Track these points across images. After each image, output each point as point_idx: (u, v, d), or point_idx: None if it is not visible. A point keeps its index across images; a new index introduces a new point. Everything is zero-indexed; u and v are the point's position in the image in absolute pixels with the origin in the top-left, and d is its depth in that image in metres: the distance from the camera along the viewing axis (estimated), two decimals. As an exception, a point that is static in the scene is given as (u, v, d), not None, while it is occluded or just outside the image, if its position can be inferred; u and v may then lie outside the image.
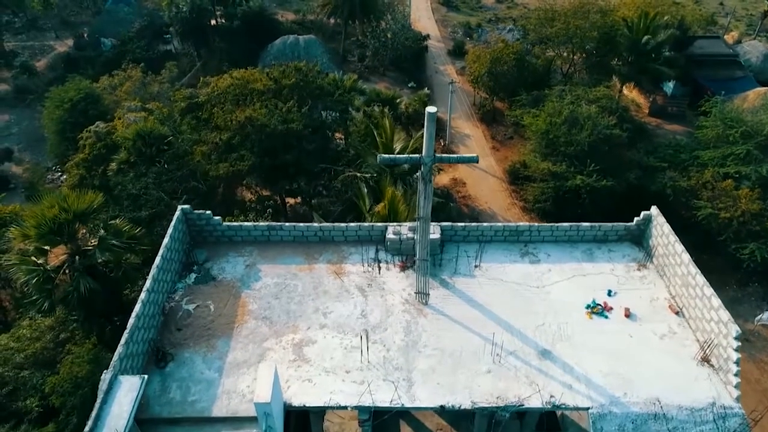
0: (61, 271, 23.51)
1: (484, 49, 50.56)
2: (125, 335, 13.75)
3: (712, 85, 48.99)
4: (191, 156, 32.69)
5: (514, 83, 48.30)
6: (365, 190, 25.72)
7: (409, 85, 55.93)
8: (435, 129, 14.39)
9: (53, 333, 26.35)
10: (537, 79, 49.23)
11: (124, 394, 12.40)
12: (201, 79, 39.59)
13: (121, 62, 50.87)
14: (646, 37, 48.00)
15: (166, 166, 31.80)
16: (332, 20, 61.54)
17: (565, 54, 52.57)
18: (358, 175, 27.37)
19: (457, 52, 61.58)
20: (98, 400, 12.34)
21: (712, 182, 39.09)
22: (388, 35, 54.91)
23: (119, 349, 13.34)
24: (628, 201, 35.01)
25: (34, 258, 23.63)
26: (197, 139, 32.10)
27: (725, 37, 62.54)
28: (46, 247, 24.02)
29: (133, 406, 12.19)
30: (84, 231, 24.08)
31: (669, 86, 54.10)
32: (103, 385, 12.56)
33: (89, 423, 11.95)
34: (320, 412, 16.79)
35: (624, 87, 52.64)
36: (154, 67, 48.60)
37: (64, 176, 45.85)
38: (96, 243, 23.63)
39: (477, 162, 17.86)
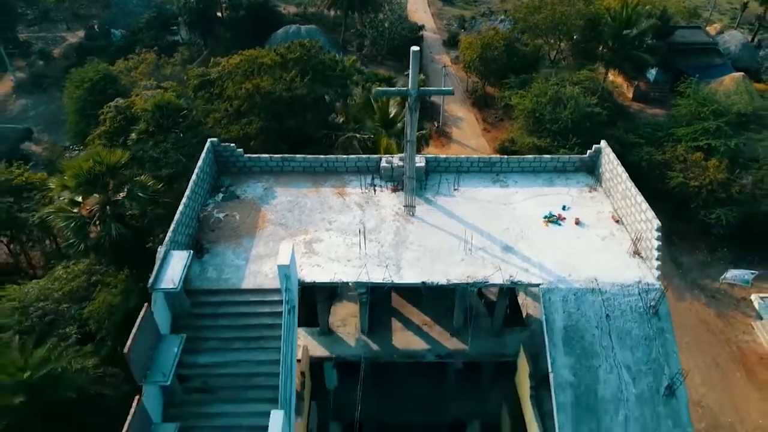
0: (94, 219, 27.77)
1: (476, 37, 54.90)
2: (172, 227, 17.86)
3: (692, 72, 53.21)
4: (205, 125, 36.82)
5: (504, 68, 52.67)
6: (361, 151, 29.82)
7: (405, 73, 60.13)
8: (418, 67, 18.58)
9: (86, 275, 30.50)
10: (526, 64, 53.58)
11: (177, 261, 16.52)
12: (211, 59, 43.88)
13: (130, 52, 54.91)
14: (627, 30, 52.19)
15: (181, 135, 35.92)
16: (332, 12, 65.95)
17: (552, 41, 56.94)
18: (357, 136, 31.54)
19: (451, 43, 66.04)
20: (156, 267, 16.40)
21: (684, 155, 43.42)
22: (386, 24, 59.33)
23: (168, 234, 17.47)
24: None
25: (69, 208, 27.98)
26: (211, 108, 36.25)
27: (708, 28, 66.94)
28: (78, 199, 28.33)
29: (184, 268, 16.31)
30: (113, 184, 28.31)
31: (652, 73, 58.48)
32: (159, 256, 16.65)
33: (151, 279, 16.03)
34: (326, 303, 20.88)
35: (609, 73, 56.94)
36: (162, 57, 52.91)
37: (83, 153, 49.98)
38: (125, 194, 27.93)
39: (452, 94, 21.97)
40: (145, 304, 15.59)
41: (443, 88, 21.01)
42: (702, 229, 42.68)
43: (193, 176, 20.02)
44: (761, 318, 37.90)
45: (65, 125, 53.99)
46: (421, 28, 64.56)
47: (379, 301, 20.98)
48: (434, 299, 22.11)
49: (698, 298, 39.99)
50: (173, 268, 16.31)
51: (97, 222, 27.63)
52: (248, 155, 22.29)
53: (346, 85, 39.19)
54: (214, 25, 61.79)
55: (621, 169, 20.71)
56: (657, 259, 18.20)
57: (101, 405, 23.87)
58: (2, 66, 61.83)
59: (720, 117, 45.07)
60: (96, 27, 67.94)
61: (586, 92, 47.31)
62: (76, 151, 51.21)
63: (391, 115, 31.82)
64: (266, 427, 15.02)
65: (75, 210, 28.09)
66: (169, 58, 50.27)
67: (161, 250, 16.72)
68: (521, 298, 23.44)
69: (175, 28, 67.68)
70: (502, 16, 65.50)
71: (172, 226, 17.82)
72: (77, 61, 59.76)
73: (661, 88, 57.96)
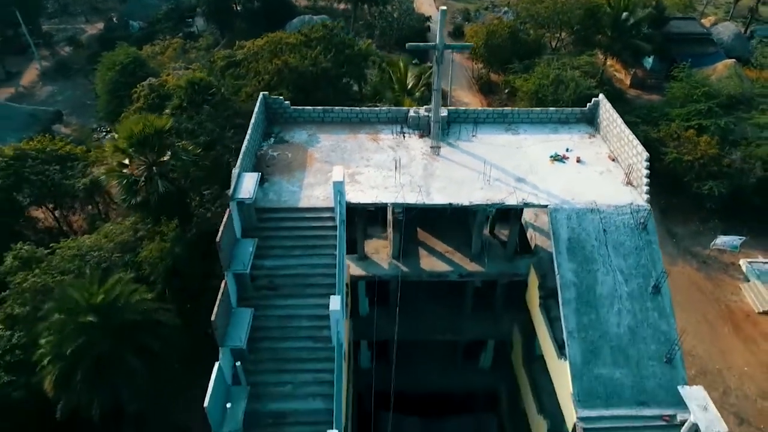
0: (141, 178, 31.75)
1: (481, 26, 59.07)
2: (240, 157, 21.73)
3: (686, 59, 57.41)
4: (231, 100, 40.64)
5: (508, 54, 56.75)
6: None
7: (413, 62, 64.35)
8: (444, 24, 22.55)
9: (133, 230, 34.45)
10: (528, 51, 57.69)
11: (248, 180, 20.45)
12: (237, 42, 47.92)
13: (149, 42, 58.73)
14: (625, 14, 56.43)
15: (212, 109, 39.84)
16: (342, 5, 70.16)
17: (553, 31, 61.19)
18: (378, 105, 35.51)
19: (456, 34, 70.16)
20: (232, 185, 20.30)
21: (678, 132, 47.52)
22: (395, 15, 63.51)
23: (238, 162, 21.34)
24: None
25: (119, 169, 32.04)
26: (241, 84, 40.24)
27: (703, 21, 71.39)
28: (126, 162, 32.34)
29: (255, 184, 20.24)
30: (158, 147, 32.27)
31: (648, 61, 62.80)
32: (234, 177, 20.55)
33: (231, 191, 19.92)
34: (363, 233, 24.75)
35: (607, 61, 61.15)
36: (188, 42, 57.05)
37: (110, 135, 53.97)
38: (169, 156, 31.94)
39: (470, 49, 25.73)
40: (228, 210, 19.50)
41: (465, 44, 24.91)
42: (695, 203, 46.66)
43: (251, 122, 23.91)
44: (748, 280, 41.84)
45: (91, 109, 58.03)
46: (428, 19, 68.72)
47: (407, 233, 24.82)
48: (454, 231, 26.03)
49: (690, 264, 43.93)
50: (246, 184, 20.22)
51: (143, 181, 31.61)
52: (294, 107, 26.25)
53: (365, 64, 43.22)
54: (230, 16, 65.88)
55: (616, 115, 24.72)
56: (646, 185, 22.15)
57: (159, 331, 27.60)
58: (26, 55, 65.95)
59: (711, 99, 49.27)
60: (115, 19, 72.05)
61: (586, 75, 51.50)
62: (104, 133, 55.21)
63: (410, 86, 35.83)
64: (320, 316, 18.95)
65: (125, 170, 32.16)
66: (195, 42, 54.24)
67: (235, 171, 20.64)
68: (529, 234, 27.33)
69: (190, 20, 71.85)
70: (505, 8, 69.78)
71: (240, 157, 21.74)
72: (99, 50, 63.74)
73: (657, 76, 62.19)
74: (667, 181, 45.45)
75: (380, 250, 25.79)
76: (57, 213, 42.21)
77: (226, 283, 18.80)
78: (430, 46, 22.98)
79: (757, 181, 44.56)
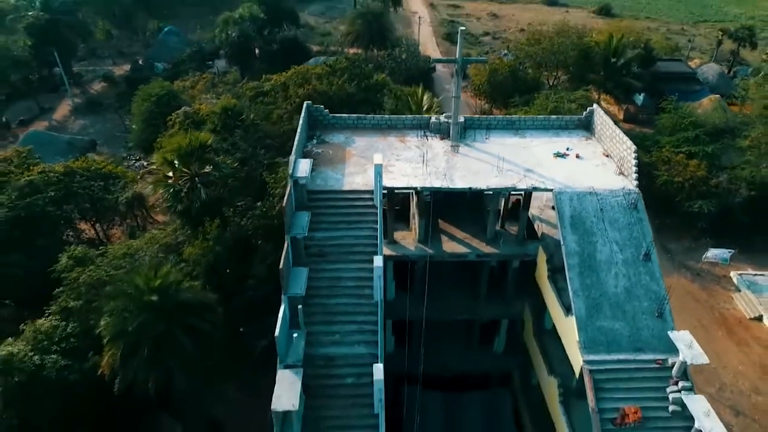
0: (184, 188, 36.31)
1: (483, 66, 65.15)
2: (294, 149, 26.25)
3: (674, 95, 63.25)
4: (261, 124, 45.61)
5: (510, 90, 62.43)
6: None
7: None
8: (463, 45, 27.60)
9: (175, 235, 38.86)
10: (528, 88, 63.43)
11: (303, 164, 25.01)
12: (264, 76, 53.48)
13: (172, 82, 64.32)
14: (614, 59, 62.64)
15: (243, 132, 44.76)
16: (353, 49, 76.48)
17: (550, 69, 67.29)
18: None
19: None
20: (290, 168, 24.78)
21: (669, 156, 52.56)
22: (403, 56, 69.65)
23: (293, 151, 25.85)
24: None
25: (165, 180, 36.68)
26: (273, 108, 45.42)
27: (690, 63, 78.01)
28: (170, 174, 36.99)
29: (309, 167, 24.77)
30: (200, 161, 36.98)
31: (639, 98, 68.76)
32: (291, 162, 25.06)
33: (290, 169, 24.40)
34: (393, 220, 29.05)
35: (601, 98, 67.02)
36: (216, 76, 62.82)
37: (139, 163, 58.89)
38: (211, 168, 36.61)
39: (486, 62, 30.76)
40: (288, 187, 23.95)
41: (479, 57, 29.83)
42: (686, 221, 51.21)
43: (299, 123, 28.69)
44: (739, 290, 45.89)
45: (121, 140, 63.22)
46: (432, 64, 75.02)
47: (429, 222, 29.11)
48: (471, 221, 30.38)
49: (685, 276, 48.10)
50: (302, 166, 24.80)
51: (187, 190, 36.13)
52: (332, 114, 31.07)
53: (381, 94, 48.57)
54: (250, 58, 72.07)
55: (608, 119, 29.57)
56: (635, 173, 26.73)
57: (207, 316, 31.41)
58: (58, 93, 71.74)
59: (698, 128, 54.62)
60: (140, 61, 78.28)
61: (582, 108, 56.93)
62: (133, 161, 60.04)
63: (425, 108, 40.88)
64: (362, 278, 23.16)
65: (170, 180, 36.79)
66: (222, 77, 59.92)
67: (292, 158, 25.21)
68: (536, 225, 31.61)
69: (210, 62, 78.15)
70: (505, 51, 76.27)
71: (294, 149, 26.34)
72: (127, 88, 69.53)
73: (648, 111, 67.96)
74: (660, 203, 50.12)
75: (407, 237, 30.05)
76: (98, 227, 46.50)
77: (287, 246, 22.99)
78: (451, 60, 27.96)
79: (743, 200, 49.29)
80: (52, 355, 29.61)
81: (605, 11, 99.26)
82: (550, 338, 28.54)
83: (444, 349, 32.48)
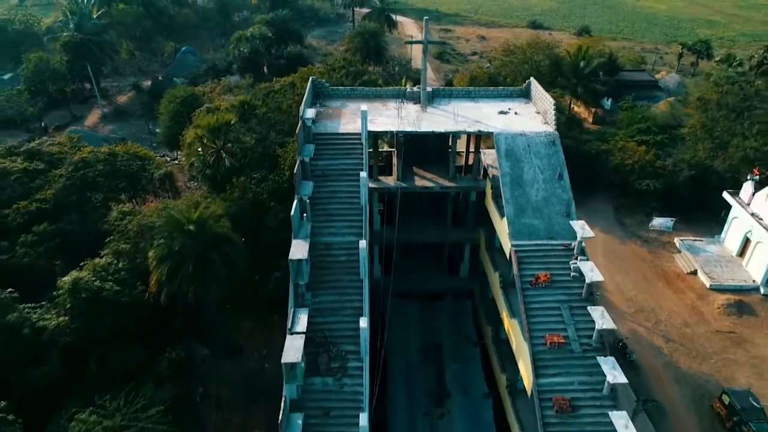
0: (212, 158, 47.36)
1: (465, 73, 76.91)
2: (302, 107, 37.30)
3: (636, 99, 74.84)
4: (272, 115, 56.69)
5: (488, 94, 73.76)
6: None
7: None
8: (429, 32, 39.08)
9: (204, 196, 49.69)
10: (504, 91, 74.77)
11: (310, 111, 36.15)
12: (274, 78, 65.19)
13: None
14: (582, 63, 74.42)
15: (256, 122, 55.70)
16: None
17: (524, 76, 78.88)
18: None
19: (448, 85, 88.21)
20: (300, 114, 35.83)
21: (622, 143, 63.62)
22: (396, 69, 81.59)
23: (302, 106, 36.91)
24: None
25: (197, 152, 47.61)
26: (280, 100, 56.71)
27: (657, 75, 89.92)
28: (199, 149, 48.08)
29: (314, 114, 35.82)
30: (225, 137, 48.16)
31: (607, 103, 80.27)
32: (301, 110, 36.11)
33: (301, 113, 35.43)
34: (376, 162, 39.93)
35: (572, 103, 78.49)
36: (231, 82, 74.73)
37: (164, 157, 69.97)
38: (233, 142, 47.68)
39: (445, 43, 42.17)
40: (299, 125, 34.95)
41: (442, 40, 41.37)
42: (639, 200, 61.89)
43: (306, 90, 39.90)
44: (680, 252, 56.20)
45: (147, 141, 74.58)
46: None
47: (404, 167, 39.95)
48: (437, 166, 41.28)
49: (635, 242, 58.49)
50: (309, 112, 35.95)
51: (214, 160, 47.16)
52: (330, 87, 42.46)
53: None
54: (260, 72, 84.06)
55: (541, 88, 40.77)
56: (554, 122, 37.69)
57: (234, 248, 41.63)
58: (87, 104, 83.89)
59: (649, 120, 65.98)
60: (160, 77, 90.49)
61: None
62: (159, 156, 70.94)
63: (407, 94, 52.32)
64: (353, 192, 33.92)
65: (200, 152, 47.92)
66: (238, 82, 71.79)
67: (303, 107, 36.31)
68: (489, 172, 42.32)
69: (223, 78, 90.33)
70: (488, 65, 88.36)
71: (302, 105, 37.42)
72: (149, 99, 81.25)
73: (614, 114, 79.26)
74: (617, 187, 61.19)
75: (388, 179, 41.03)
76: (134, 200, 57.43)
77: (298, 165, 33.86)
78: (419, 41, 39.54)
79: (685, 179, 60.06)
80: (109, 282, 39.01)
81: (585, 32, 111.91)
82: (497, 252, 39.05)
83: (421, 274, 43.00)
